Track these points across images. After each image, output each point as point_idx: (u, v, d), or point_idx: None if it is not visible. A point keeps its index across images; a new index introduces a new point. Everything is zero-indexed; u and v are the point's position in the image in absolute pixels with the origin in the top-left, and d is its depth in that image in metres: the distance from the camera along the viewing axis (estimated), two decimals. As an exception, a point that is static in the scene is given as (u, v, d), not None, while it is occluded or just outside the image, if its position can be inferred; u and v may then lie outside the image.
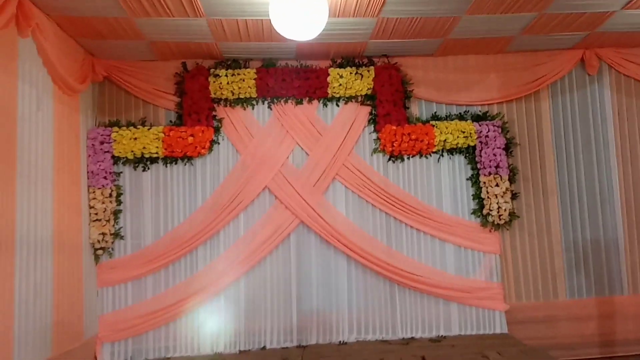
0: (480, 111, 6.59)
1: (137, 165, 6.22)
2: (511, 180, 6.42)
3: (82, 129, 5.91)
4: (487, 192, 6.33)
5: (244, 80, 6.29)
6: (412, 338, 6.24)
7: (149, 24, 5.30)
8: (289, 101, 6.43)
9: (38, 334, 4.66)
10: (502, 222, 6.35)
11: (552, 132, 6.66)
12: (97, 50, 5.98)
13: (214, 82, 6.27)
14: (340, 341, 6.19)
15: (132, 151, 6.07)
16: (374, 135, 6.50)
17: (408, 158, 6.51)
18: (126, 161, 6.18)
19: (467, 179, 6.54)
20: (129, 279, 6.08)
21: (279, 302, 6.27)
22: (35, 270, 4.66)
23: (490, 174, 6.32)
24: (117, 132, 6.07)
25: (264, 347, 6.12)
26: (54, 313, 4.96)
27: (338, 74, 6.37)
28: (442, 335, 6.26)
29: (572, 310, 6.38)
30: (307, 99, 6.44)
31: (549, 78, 6.62)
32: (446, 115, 6.56)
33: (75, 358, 5.32)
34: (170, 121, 6.34)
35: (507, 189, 6.33)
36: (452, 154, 6.55)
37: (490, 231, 6.43)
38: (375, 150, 6.49)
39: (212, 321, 6.13)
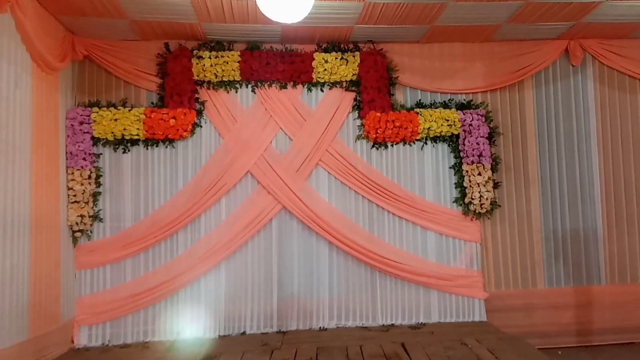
0: (464, 100, 6.59)
1: (117, 146, 6.13)
2: (493, 169, 6.45)
3: (62, 109, 5.80)
4: (470, 181, 6.35)
5: (227, 63, 6.21)
6: (392, 325, 6.27)
7: (132, 1, 5.19)
8: (273, 85, 6.37)
9: (14, 316, 4.59)
10: (483, 210, 6.37)
11: (535, 122, 6.69)
12: (78, 28, 5.85)
13: (197, 63, 6.18)
14: (320, 327, 6.20)
15: (112, 132, 5.98)
16: (358, 122, 6.47)
17: (392, 145, 6.50)
18: (106, 142, 6.09)
19: (450, 168, 6.55)
20: (108, 261, 6.02)
21: (260, 288, 6.25)
22: (12, 252, 4.59)
23: (473, 162, 6.34)
24: (97, 112, 5.96)
25: (243, 332, 6.09)
26: (31, 295, 4.89)
27: (323, 58, 6.32)
28: (421, 323, 6.30)
29: (550, 299, 6.45)
30: (292, 83, 6.39)
31: (533, 68, 6.65)
32: (431, 103, 6.55)
33: (52, 341, 5.29)
34: (152, 103, 6.25)
35: (489, 178, 6.36)
36: (436, 142, 6.55)
37: (471, 220, 6.47)
38: (359, 137, 6.46)
39: (191, 306, 6.10)
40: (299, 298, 6.26)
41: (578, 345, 6.38)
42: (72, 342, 5.78)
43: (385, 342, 5.48)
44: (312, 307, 6.27)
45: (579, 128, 6.73)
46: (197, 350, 5.44)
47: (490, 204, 6.38)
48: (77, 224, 5.85)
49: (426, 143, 6.52)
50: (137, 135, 6.03)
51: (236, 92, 6.37)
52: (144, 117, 6.00)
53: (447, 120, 6.35)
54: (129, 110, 6.03)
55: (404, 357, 4.93)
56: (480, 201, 6.33)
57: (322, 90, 6.47)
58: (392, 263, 6.28)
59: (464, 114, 6.38)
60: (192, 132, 6.22)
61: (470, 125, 6.35)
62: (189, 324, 6.04)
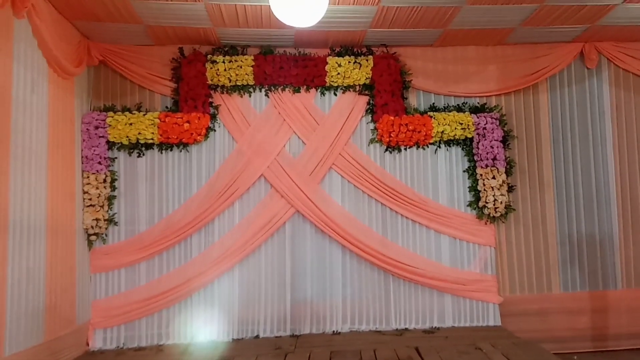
0: (478, 103, 6.57)
1: (132, 151, 6.17)
2: (508, 172, 6.41)
3: (77, 113, 5.85)
4: (484, 185, 6.32)
5: (241, 67, 6.24)
6: (406, 329, 6.24)
7: (146, 7, 5.23)
8: (287, 89, 6.38)
9: (30, 319, 4.63)
10: (497, 214, 6.34)
11: (550, 126, 6.65)
12: (93, 33, 5.90)
13: (211, 68, 6.21)
14: (333, 331, 6.19)
15: (127, 137, 6.02)
16: (372, 125, 6.47)
17: (405, 149, 6.48)
18: (121, 147, 6.13)
19: (464, 171, 6.52)
20: (123, 265, 6.05)
21: (273, 291, 6.25)
22: (28, 255, 4.63)
23: (487, 166, 6.30)
24: (112, 117, 6.01)
25: (257, 336, 6.10)
26: (47, 298, 4.93)
27: (336, 62, 6.33)
28: (435, 327, 6.27)
29: (566, 304, 6.40)
30: (305, 87, 6.40)
31: (548, 71, 6.60)
32: (444, 107, 6.53)
33: (68, 344, 5.31)
34: (166, 107, 6.29)
35: (503, 182, 6.32)
36: (450, 146, 6.52)
37: (485, 223, 6.43)
38: (372, 141, 6.46)
39: (205, 309, 6.12)
40: (312, 302, 6.26)
41: (594, 350, 6.32)
42: (87, 345, 5.81)
43: (399, 346, 5.46)
44: (326, 311, 6.26)
45: (594, 131, 6.67)
46: (210, 354, 5.46)
47: (505, 207, 6.34)
48: (92, 227, 5.88)
49: (440, 147, 6.50)
50: (152, 139, 6.07)
51: (250, 96, 6.38)
52: (158, 121, 6.04)
53: (461, 124, 6.33)
54: (144, 115, 6.07)
55: (418, 361, 4.92)
56: (494, 205, 6.30)
57: (335, 94, 6.48)
58: (405, 267, 6.27)
59: (478, 117, 6.36)
60: (206, 136, 6.24)
61: (485, 128, 6.33)
62: (203, 327, 6.06)
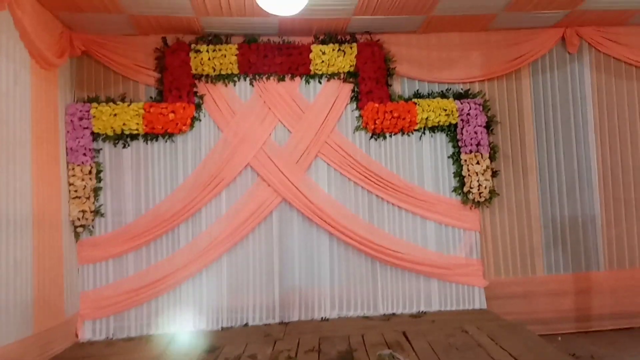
0: (462, 89, 6.60)
1: (117, 141, 6.14)
2: (492, 158, 6.47)
3: (61, 105, 5.81)
4: (468, 170, 6.38)
5: (225, 56, 6.22)
6: (393, 314, 6.32)
7: (129, -4, 5.20)
8: (271, 78, 6.38)
9: (18, 312, 4.63)
10: (482, 199, 6.41)
11: (533, 111, 6.71)
12: (75, 24, 5.85)
13: (195, 57, 6.19)
14: (322, 317, 6.25)
15: (112, 127, 5.99)
16: (357, 113, 6.49)
17: (390, 136, 6.51)
18: (106, 138, 6.10)
19: (449, 157, 6.57)
20: (110, 256, 6.04)
21: (262, 279, 6.28)
22: (15, 248, 4.62)
23: (471, 151, 6.36)
24: (96, 108, 5.97)
25: (246, 324, 6.14)
26: (35, 291, 4.92)
27: (320, 50, 6.33)
28: (422, 311, 6.35)
29: (550, 286, 6.50)
30: (290, 75, 6.40)
31: (530, 56, 6.66)
32: (428, 93, 6.57)
33: (57, 336, 5.32)
34: (151, 97, 6.26)
35: (487, 167, 6.39)
36: (434, 132, 6.57)
37: (470, 208, 6.50)
38: (357, 128, 6.48)
39: (194, 298, 6.15)
40: (300, 289, 6.31)
41: (577, 331, 6.43)
42: (77, 336, 5.81)
43: (386, 331, 5.52)
44: (314, 298, 6.31)
45: (576, 116, 6.75)
46: (200, 343, 5.48)
47: (489, 192, 6.41)
48: (79, 219, 5.87)
49: (424, 133, 6.54)
50: (137, 130, 6.04)
51: (234, 85, 6.37)
52: (143, 111, 6.01)
53: (445, 110, 6.37)
54: (128, 105, 6.04)
55: (405, 345, 4.97)
56: (479, 190, 6.36)
57: (320, 82, 6.48)
58: (392, 253, 6.32)
59: (462, 104, 6.41)
60: (192, 126, 6.23)
61: (468, 114, 6.38)
62: (192, 316, 6.10)
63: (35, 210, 5.00)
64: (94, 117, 5.94)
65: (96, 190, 6.04)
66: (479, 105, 6.43)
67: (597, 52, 6.79)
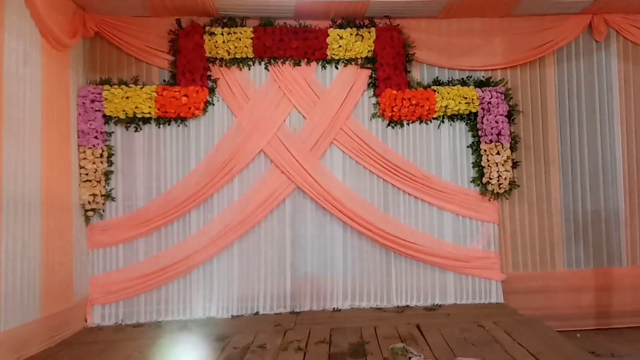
0: (483, 77, 6.42)
1: (129, 125, 6.06)
2: (512, 148, 6.29)
3: (73, 86, 5.74)
4: (488, 160, 6.21)
5: (240, 40, 6.09)
6: (407, 306, 6.19)
7: (142, -24, 5.09)
8: (287, 62, 6.24)
9: (26, 295, 4.59)
10: (501, 190, 6.23)
11: (556, 100, 6.51)
12: (89, 4, 5.75)
13: (209, 40, 6.07)
14: (334, 308, 6.15)
15: (124, 110, 5.91)
16: (374, 100, 6.34)
17: (408, 124, 6.36)
18: (118, 121, 6.02)
19: (468, 147, 6.40)
20: (121, 241, 5.99)
21: (273, 268, 6.20)
22: (23, 230, 4.58)
23: (491, 141, 6.19)
24: (108, 90, 5.89)
25: (257, 313, 6.06)
26: (43, 274, 4.88)
27: (338, 34, 6.17)
28: (437, 304, 6.22)
29: (570, 281, 6.33)
30: (306, 60, 6.26)
31: (555, 44, 6.44)
32: (448, 80, 6.39)
33: (65, 319, 5.29)
34: (164, 80, 6.16)
35: (508, 157, 6.21)
36: (453, 121, 6.40)
37: (489, 200, 6.33)
38: (374, 115, 6.33)
39: (204, 285, 6.08)
40: (312, 278, 6.21)
41: (597, 328, 6.26)
42: (86, 321, 5.78)
43: (399, 323, 5.39)
44: (326, 288, 6.22)
45: (601, 106, 6.53)
46: (210, 330, 5.40)
47: (509, 184, 6.23)
48: (89, 203, 5.81)
49: (443, 121, 6.37)
50: (149, 113, 5.96)
51: (249, 69, 6.25)
52: (155, 95, 5.92)
53: (465, 98, 6.20)
54: (141, 88, 5.95)
55: (419, 338, 4.84)
56: (498, 181, 6.19)
57: (336, 68, 6.34)
58: (407, 244, 6.19)
59: (483, 92, 6.22)
60: (205, 110, 6.13)
61: (489, 103, 6.19)
62: (202, 303, 6.03)
63: (44, 193, 4.95)
64: (106, 99, 5.87)
65: (107, 174, 5.97)
66: (501, 93, 6.25)
67: (625, 40, 6.56)
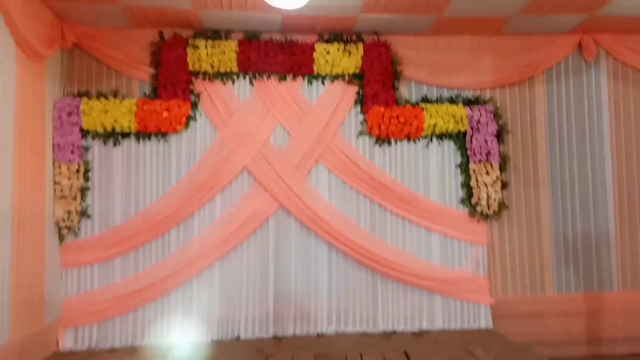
0: (472, 95, 6.33)
1: (107, 139, 5.86)
2: (502, 168, 6.18)
3: (49, 98, 5.55)
4: (477, 181, 6.10)
5: (224, 53, 5.94)
6: (394, 331, 6.00)
7: (124, -15, 4.93)
8: (272, 77, 6.10)
9: (-6, 317, 4.34)
10: (491, 212, 6.11)
11: (546, 120, 6.43)
12: (67, 13, 5.57)
13: (193, 53, 5.91)
14: (318, 332, 5.95)
15: (102, 124, 5.72)
16: (361, 117, 6.21)
17: (395, 142, 6.23)
18: (95, 135, 5.82)
19: (457, 166, 6.28)
20: (96, 260, 5.76)
21: (255, 290, 5.99)
22: (-8, 248, 4.34)
23: (480, 161, 6.08)
24: (86, 103, 5.70)
25: (238, 337, 5.84)
26: (13, 295, 4.64)
27: (325, 49, 6.05)
28: (424, 330, 6.03)
29: (560, 306, 6.20)
30: (291, 75, 6.12)
31: (545, 63, 6.38)
32: (437, 98, 6.28)
33: (36, 343, 5.05)
34: (145, 94, 5.99)
35: (497, 178, 6.10)
36: (442, 139, 6.28)
37: (478, 221, 6.20)
38: (361, 133, 6.20)
39: (183, 308, 5.86)
40: (296, 301, 6.01)
41: (589, 355, 6.11)
42: (57, 344, 5.52)
43: (387, 350, 5.22)
44: (310, 311, 6.02)
45: (591, 127, 6.46)
46: (188, 356, 5.21)
47: (498, 205, 6.11)
48: (63, 220, 5.59)
49: (431, 140, 6.25)
50: (129, 127, 5.77)
51: (233, 83, 6.10)
52: (135, 108, 5.74)
53: (454, 117, 6.09)
54: (120, 102, 5.77)
55: (407, 367, 4.67)
56: (487, 202, 6.07)
57: (323, 84, 6.20)
58: (394, 265, 6.03)
59: (472, 110, 6.12)
60: (187, 125, 5.95)
61: (479, 122, 6.09)
62: (180, 327, 5.79)
63: (16, 209, 4.72)
64: (83, 112, 5.68)
65: (83, 190, 5.75)
66: (490, 112, 6.15)
67: (614, 60, 6.51)
